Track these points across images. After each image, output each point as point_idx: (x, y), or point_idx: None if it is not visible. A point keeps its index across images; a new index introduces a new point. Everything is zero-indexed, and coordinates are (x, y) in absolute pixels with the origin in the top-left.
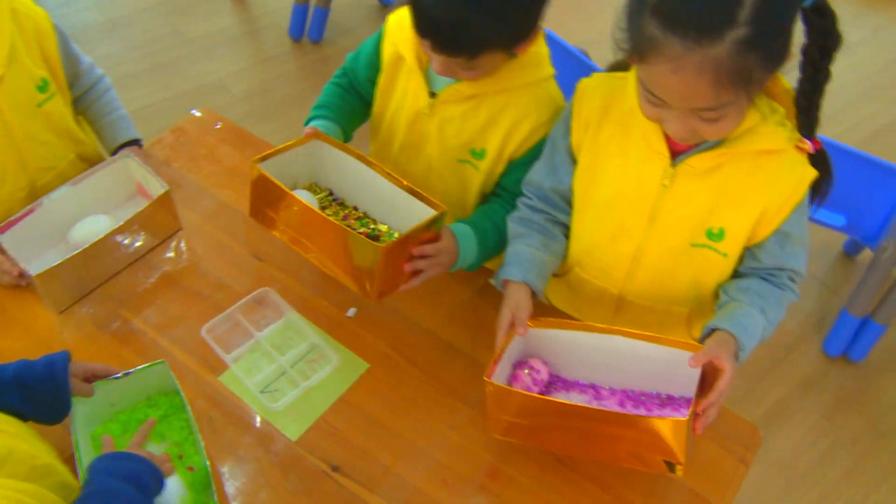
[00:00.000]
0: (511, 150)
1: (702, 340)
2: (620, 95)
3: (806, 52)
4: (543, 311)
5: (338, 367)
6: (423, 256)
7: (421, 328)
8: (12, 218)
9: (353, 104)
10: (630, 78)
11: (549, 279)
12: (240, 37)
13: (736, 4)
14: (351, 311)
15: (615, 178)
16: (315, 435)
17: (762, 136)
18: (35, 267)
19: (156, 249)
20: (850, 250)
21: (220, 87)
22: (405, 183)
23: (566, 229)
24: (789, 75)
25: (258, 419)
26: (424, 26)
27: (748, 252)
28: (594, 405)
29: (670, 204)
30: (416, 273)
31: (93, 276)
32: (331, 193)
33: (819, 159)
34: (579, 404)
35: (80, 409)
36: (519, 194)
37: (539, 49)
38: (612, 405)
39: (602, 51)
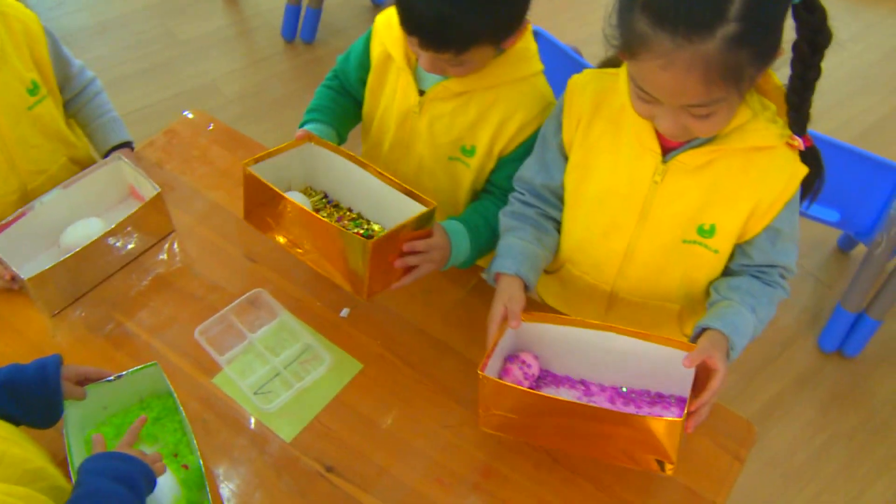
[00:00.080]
0: (501, 146)
1: (693, 339)
2: (612, 92)
3: (796, 48)
4: (535, 307)
5: (331, 367)
6: (413, 252)
7: (414, 328)
8: (4, 221)
9: (345, 106)
10: (621, 74)
11: (541, 276)
12: (232, 38)
13: (726, 1)
14: (344, 312)
15: (606, 174)
16: (309, 436)
17: (753, 132)
18: (27, 270)
19: (148, 252)
20: (845, 245)
21: (213, 88)
22: (397, 181)
23: (558, 224)
24: (780, 72)
25: (252, 421)
26: (411, 23)
27: (739, 249)
28: (584, 401)
29: (662, 200)
30: (408, 270)
31: (85, 279)
32: (325, 196)
33: (810, 156)
34: (577, 402)
35: (73, 413)
36: (509, 190)
37: (527, 45)
38: (602, 401)
39: (594, 49)
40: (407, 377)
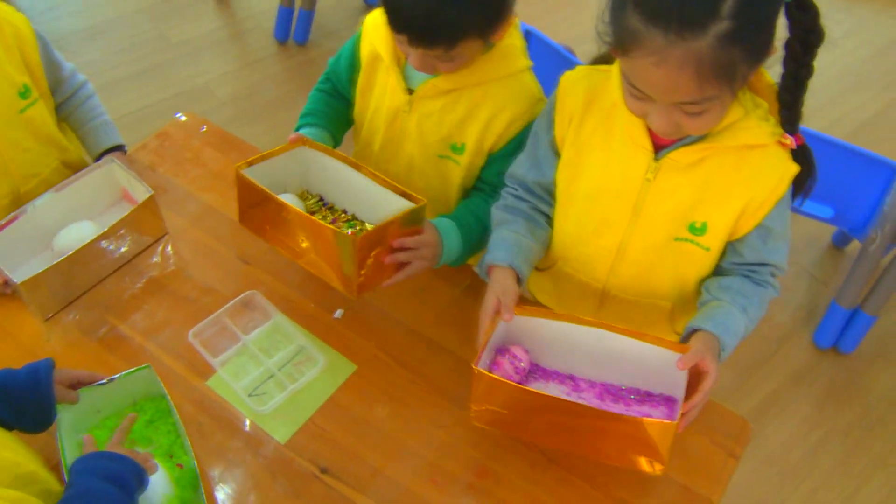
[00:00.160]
0: (490, 143)
1: (683, 340)
2: (603, 89)
3: (788, 47)
4: (527, 305)
5: (325, 368)
6: (403, 249)
7: (408, 328)
8: None
9: (338, 109)
10: (613, 71)
11: (533, 273)
12: (225, 40)
13: None
14: (338, 313)
15: (598, 171)
16: (303, 437)
17: (745, 130)
18: (20, 274)
19: (142, 254)
20: (839, 242)
21: (206, 90)
22: (390, 182)
23: (550, 220)
24: (772, 70)
25: (246, 423)
26: (400, 22)
27: (730, 247)
28: (573, 396)
29: (654, 198)
30: (399, 268)
31: (78, 282)
32: (321, 199)
33: (801, 155)
34: (575, 402)
35: (66, 416)
36: (499, 187)
37: (514, 41)
38: (590, 398)
39: (587, 48)
40: (401, 377)
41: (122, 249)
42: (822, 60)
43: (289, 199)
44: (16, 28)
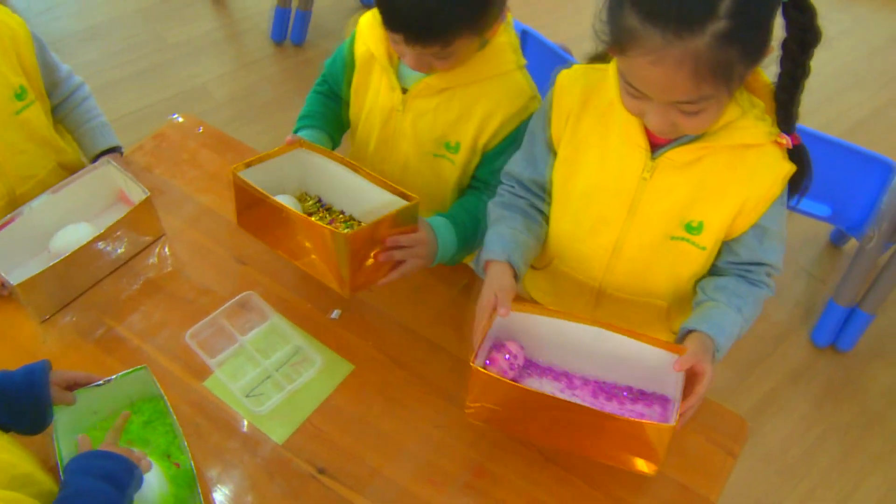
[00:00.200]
0: (484, 141)
1: (678, 340)
2: (600, 87)
3: (785, 46)
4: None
5: (322, 369)
6: (398, 247)
7: (405, 328)
8: None
9: (336, 110)
10: (610, 70)
11: (530, 272)
12: (221, 41)
13: None
14: (335, 313)
15: (595, 170)
16: (301, 438)
17: (742, 130)
18: (16, 276)
19: (138, 256)
20: (837, 240)
21: (203, 91)
22: (387, 182)
23: (546, 217)
24: (769, 70)
25: (244, 423)
26: (395, 21)
27: (726, 246)
28: (566, 393)
29: (650, 197)
30: (394, 266)
31: (75, 284)
32: (319, 200)
33: (797, 154)
34: (573, 402)
35: (63, 418)
36: (494, 185)
37: (507, 40)
38: (584, 395)
39: (584, 47)
40: (398, 377)
41: (119, 251)
42: (819, 58)
43: (285, 201)
44: (12, 30)
